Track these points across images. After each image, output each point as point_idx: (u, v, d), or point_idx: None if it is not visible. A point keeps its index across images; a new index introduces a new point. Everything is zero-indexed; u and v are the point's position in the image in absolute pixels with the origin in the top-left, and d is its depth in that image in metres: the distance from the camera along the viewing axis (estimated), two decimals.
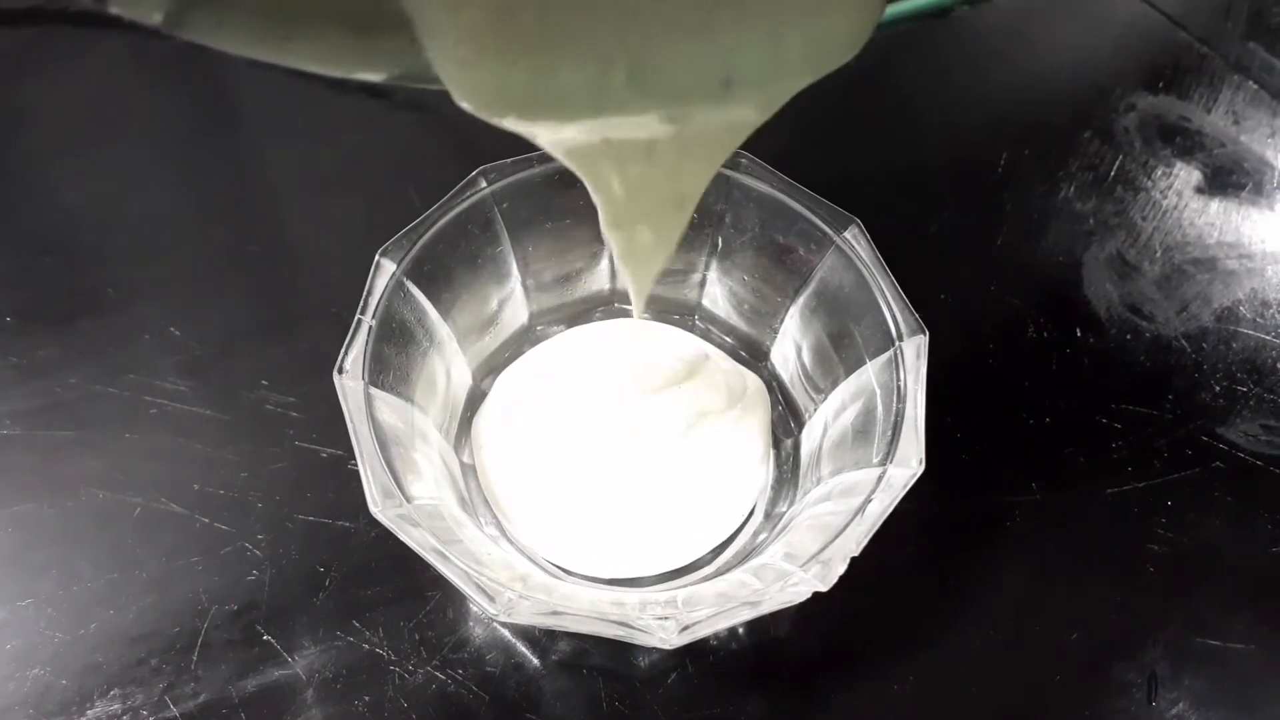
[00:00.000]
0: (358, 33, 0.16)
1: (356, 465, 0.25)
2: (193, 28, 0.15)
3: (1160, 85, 0.49)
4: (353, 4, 0.15)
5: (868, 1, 0.19)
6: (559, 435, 0.32)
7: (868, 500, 0.25)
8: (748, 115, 0.20)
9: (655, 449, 0.31)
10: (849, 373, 0.30)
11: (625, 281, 0.25)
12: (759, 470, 0.32)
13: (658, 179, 0.21)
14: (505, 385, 0.34)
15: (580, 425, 0.32)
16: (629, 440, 0.31)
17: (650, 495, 0.31)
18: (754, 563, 0.28)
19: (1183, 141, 0.47)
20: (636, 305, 0.26)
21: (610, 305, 0.36)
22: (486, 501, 0.32)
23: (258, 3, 0.15)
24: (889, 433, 0.27)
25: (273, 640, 0.31)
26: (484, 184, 0.30)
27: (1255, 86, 0.49)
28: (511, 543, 0.31)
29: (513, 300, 0.34)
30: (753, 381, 0.34)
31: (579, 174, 0.20)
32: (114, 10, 0.14)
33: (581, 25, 0.16)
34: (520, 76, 0.17)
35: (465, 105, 0.17)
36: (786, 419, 0.34)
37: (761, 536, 0.31)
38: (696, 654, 0.31)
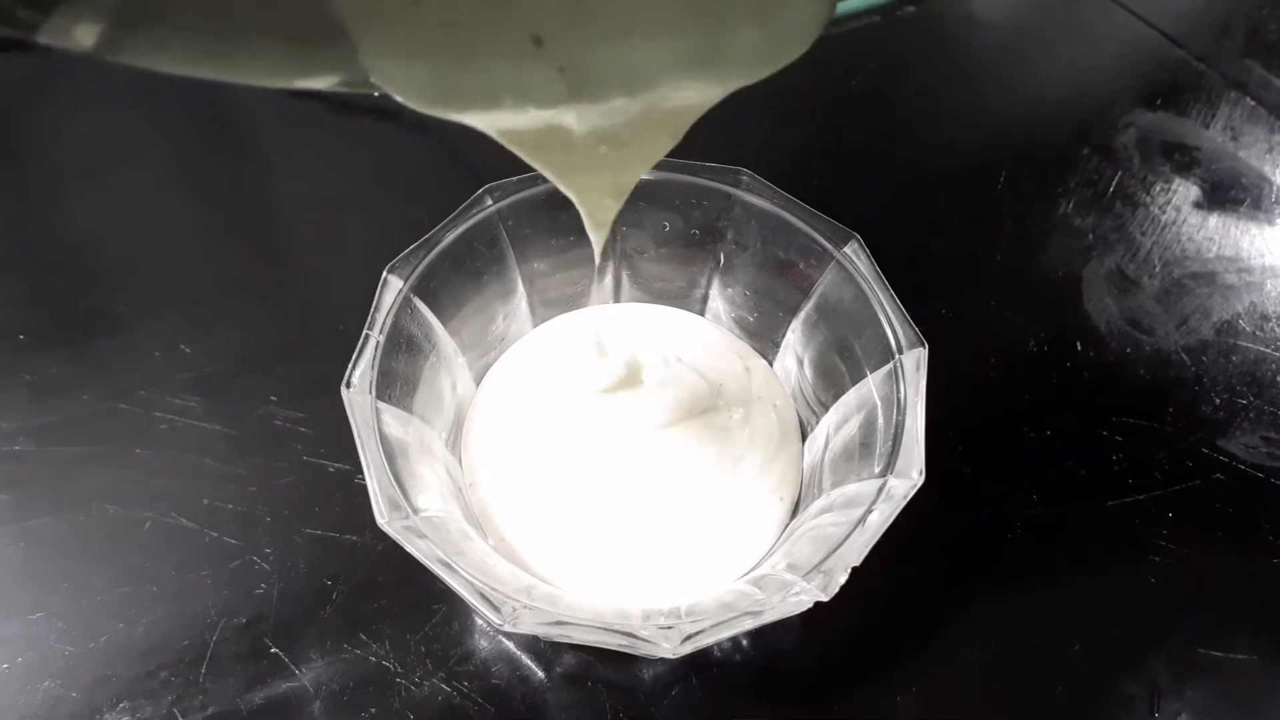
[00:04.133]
0: (297, 44, 0.15)
1: (364, 479, 0.25)
2: (127, 51, 0.14)
3: (1158, 102, 0.50)
4: (289, 17, 0.15)
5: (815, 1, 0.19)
6: (573, 463, 0.31)
7: (869, 511, 0.26)
8: (694, 103, 0.20)
9: (679, 483, 0.31)
10: (850, 386, 0.31)
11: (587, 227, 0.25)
12: (775, 522, 0.31)
13: (599, 164, 0.21)
14: (500, 392, 0.33)
15: (603, 452, 0.31)
16: (654, 470, 0.31)
17: (663, 531, 0.30)
18: (756, 573, 0.29)
19: (1181, 157, 0.47)
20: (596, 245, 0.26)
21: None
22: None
23: (193, 22, 0.15)
24: (889, 444, 0.27)
25: (280, 653, 0.31)
26: (490, 202, 0.30)
27: (1253, 103, 0.50)
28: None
29: (518, 316, 0.34)
30: (791, 418, 0.34)
31: (519, 153, 0.21)
32: (43, 40, 0.14)
33: (500, 27, 0.17)
34: (450, 75, 0.17)
35: (403, 101, 0.17)
36: None
37: None
38: (700, 666, 0.31)
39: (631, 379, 0.32)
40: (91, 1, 0.14)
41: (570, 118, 0.19)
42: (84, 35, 0.14)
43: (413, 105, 0.17)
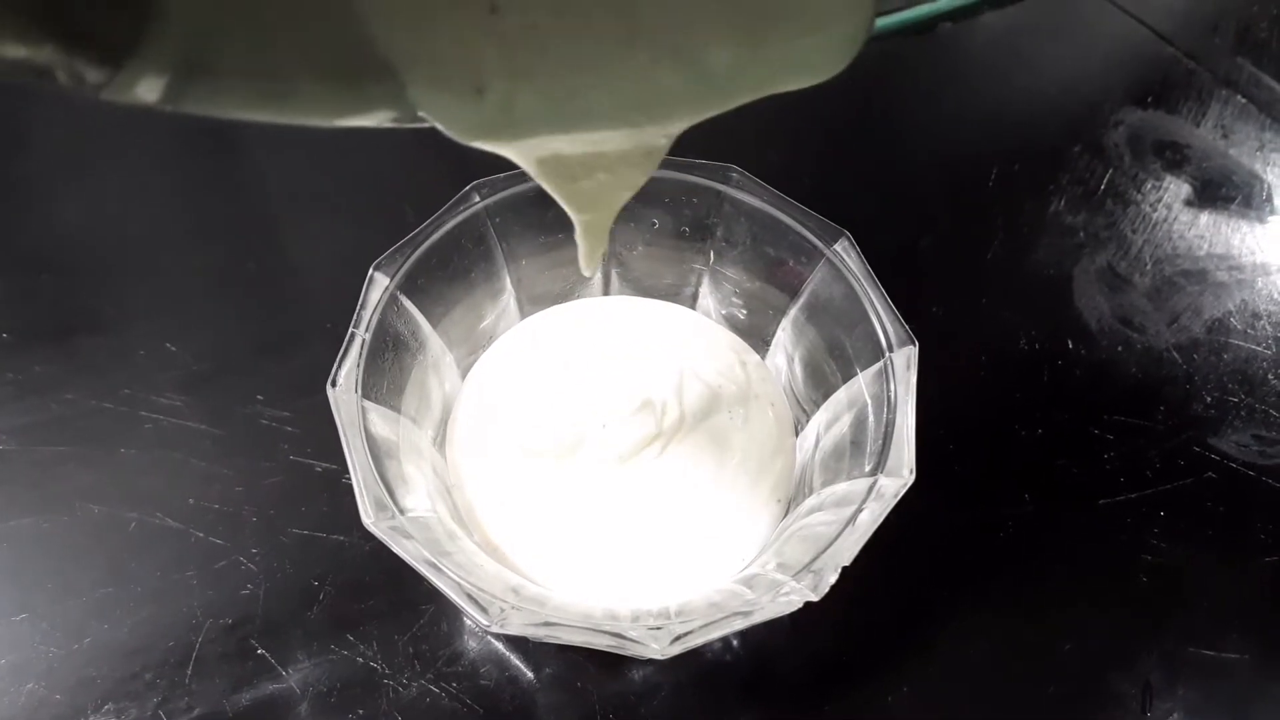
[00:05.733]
0: (348, 85, 0.16)
1: (350, 479, 0.25)
2: (188, 101, 0.15)
3: (1149, 100, 0.49)
4: (341, 59, 0.16)
5: (854, 18, 0.19)
6: (562, 462, 0.31)
7: (859, 510, 0.25)
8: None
9: (675, 486, 0.30)
10: (840, 384, 0.30)
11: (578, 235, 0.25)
12: (771, 522, 0.31)
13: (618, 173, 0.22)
14: (486, 390, 0.33)
15: (594, 451, 0.31)
16: (649, 473, 0.31)
17: (658, 534, 0.30)
18: (746, 573, 0.28)
19: (1172, 155, 0.47)
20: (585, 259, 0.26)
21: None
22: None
23: (251, 70, 0.15)
24: (880, 442, 0.27)
25: (267, 654, 0.31)
26: (477, 199, 0.30)
27: (1243, 100, 0.50)
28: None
29: (506, 314, 0.34)
30: (786, 418, 0.34)
31: (545, 183, 0.21)
32: (107, 97, 0.14)
33: (556, 62, 0.17)
34: (499, 110, 0.17)
35: (454, 137, 0.18)
36: None
37: None
38: (690, 666, 0.31)
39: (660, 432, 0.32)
40: (155, 58, 0.14)
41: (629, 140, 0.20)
42: (147, 91, 0.14)
43: (466, 142, 0.18)
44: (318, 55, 0.15)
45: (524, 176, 0.30)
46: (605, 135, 0.19)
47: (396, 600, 0.32)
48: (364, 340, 0.27)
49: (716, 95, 0.19)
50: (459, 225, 0.30)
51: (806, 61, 0.19)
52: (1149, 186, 0.46)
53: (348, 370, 0.27)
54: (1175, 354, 0.40)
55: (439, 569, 0.24)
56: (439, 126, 0.17)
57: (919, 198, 0.46)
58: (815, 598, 0.24)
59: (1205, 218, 0.45)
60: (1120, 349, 0.40)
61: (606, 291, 0.35)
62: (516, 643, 0.31)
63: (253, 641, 0.31)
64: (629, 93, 0.18)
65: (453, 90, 0.17)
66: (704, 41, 0.18)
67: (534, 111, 0.18)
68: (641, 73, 0.18)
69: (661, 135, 0.20)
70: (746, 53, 0.18)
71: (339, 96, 0.16)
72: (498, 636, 0.31)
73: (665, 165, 0.31)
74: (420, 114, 0.17)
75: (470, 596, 0.24)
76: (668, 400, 0.31)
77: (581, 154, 0.20)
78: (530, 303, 0.35)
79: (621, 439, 0.31)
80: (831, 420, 0.31)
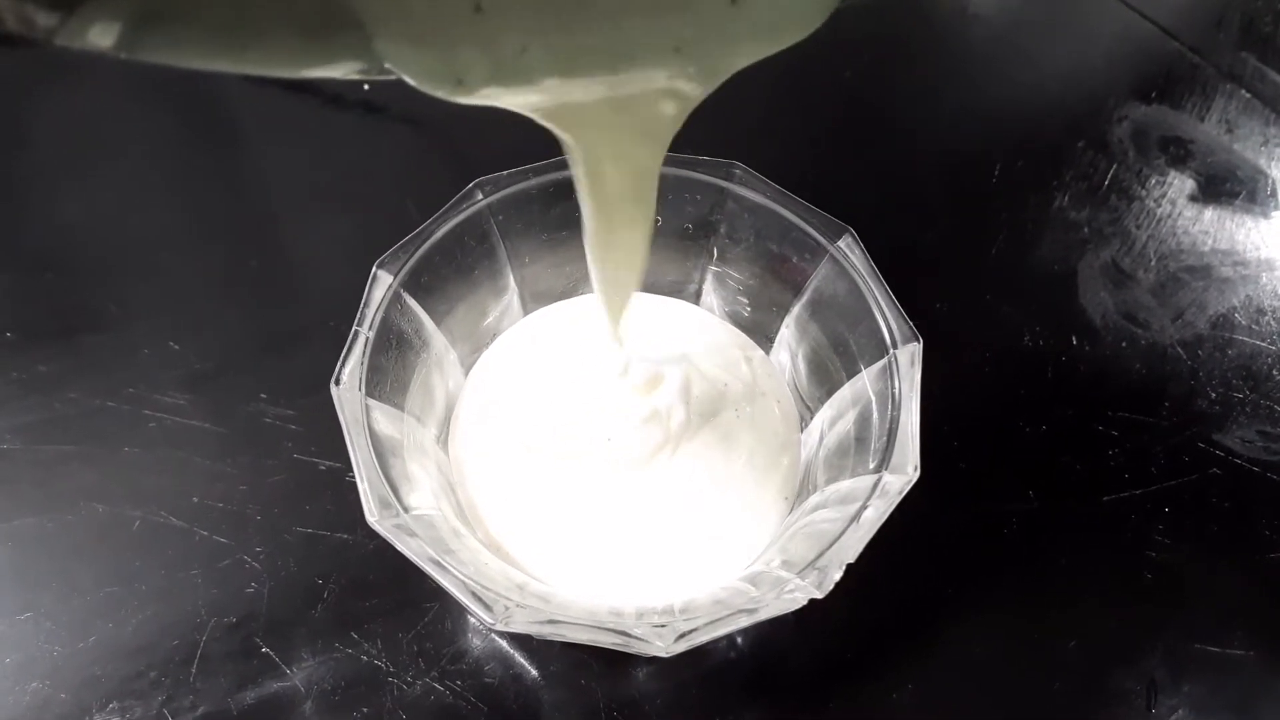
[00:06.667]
0: (311, 35, 0.16)
1: (354, 477, 0.25)
2: (145, 48, 0.14)
3: (1153, 95, 0.49)
4: (305, 9, 0.15)
5: None
6: (566, 460, 0.31)
7: (864, 507, 0.25)
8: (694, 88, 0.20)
9: (682, 486, 0.30)
10: (844, 381, 0.30)
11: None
12: (778, 521, 0.31)
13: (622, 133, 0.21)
14: (488, 387, 0.33)
15: (598, 450, 0.31)
16: (655, 474, 0.30)
17: (665, 532, 0.30)
18: (751, 570, 0.28)
19: (1176, 150, 0.47)
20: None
21: None
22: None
23: (211, 18, 0.15)
24: (884, 439, 0.27)
25: (271, 652, 0.31)
26: (480, 196, 0.30)
27: (1248, 95, 0.49)
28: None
29: (509, 311, 0.34)
30: (792, 415, 0.34)
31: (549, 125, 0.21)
32: (60, 43, 0.14)
33: (517, 11, 0.17)
34: (464, 58, 0.17)
35: (419, 88, 0.17)
36: None
37: None
38: (695, 664, 0.31)
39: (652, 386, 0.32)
40: (109, 3, 0.14)
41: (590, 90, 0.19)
42: (101, 36, 0.14)
43: (433, 93, 0.17)
44: (284, 6, 0.15)
45: (527, 174, 0.30)
46: (580, 86, 0.19)
47: (401, 598, 0.32)
48: (367, 338, 0.27)
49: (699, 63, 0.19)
50: (462, 223, 0.30)
51: (781, 20, 0.19)
52: (1153, 182, 0.46)
53: (351, 368, 0.27)
54: (1180, 350, 0.40)
55: (443, 567, 0.24)
56: (406, 79, 0.17)
57: (922, 194, 0.45)
58: (819, 595, 0.24)
59: (1209, 213, 0.45)
60: (1124, 345, 0.40)
61: None
62: (521, 641, 0.31)
63: (257, 640, 0.31)
64: (606, 66, 0.18)
65: (423, 46, 0.17)
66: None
67: (507, 75, 0.18)
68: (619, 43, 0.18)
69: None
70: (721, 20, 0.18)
71: (303, 47, 0.16)
72: (502, 634, 0.31)
73: (668, 162, 0.31)
74: (387, 66, 0.17)
75: (475, 594, 0.24)
76: (674, 405, 0.31)
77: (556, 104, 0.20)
78: (533, 299, 0.34)
79: (629, 449, 0.31)
80: (835, 417, 0.31)
